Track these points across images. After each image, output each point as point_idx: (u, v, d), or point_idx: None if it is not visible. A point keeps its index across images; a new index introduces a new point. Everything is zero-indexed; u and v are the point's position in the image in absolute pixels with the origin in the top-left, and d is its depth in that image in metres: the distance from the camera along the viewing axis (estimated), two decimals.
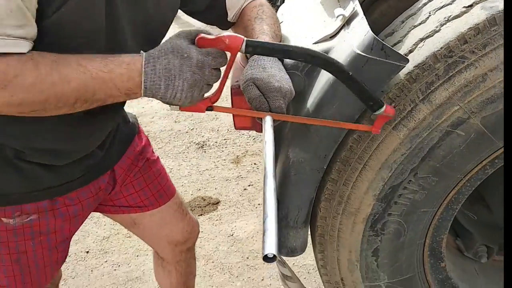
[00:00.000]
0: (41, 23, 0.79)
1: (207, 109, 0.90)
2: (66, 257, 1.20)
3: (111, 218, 1.32)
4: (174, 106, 0.85)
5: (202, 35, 0.83)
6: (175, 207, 1.31)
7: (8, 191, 1.01)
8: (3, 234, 1.05)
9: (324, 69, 0.87)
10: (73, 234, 1.18)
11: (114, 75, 0.80)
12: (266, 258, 0.63)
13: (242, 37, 0.82)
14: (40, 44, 0.80)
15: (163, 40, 0.88)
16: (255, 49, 0.83)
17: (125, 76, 0.81)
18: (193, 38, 0.83)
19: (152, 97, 0.84)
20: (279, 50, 0.85)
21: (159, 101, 0.85)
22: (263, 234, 0.66)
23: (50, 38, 0.81)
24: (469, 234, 1.37)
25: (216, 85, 0.89)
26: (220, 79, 0.87)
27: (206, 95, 0.88)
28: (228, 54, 0.84)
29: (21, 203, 1.03)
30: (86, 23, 0.83)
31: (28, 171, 1.00)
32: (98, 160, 1.11)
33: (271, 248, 0.63)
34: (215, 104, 0.91)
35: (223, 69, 0.87)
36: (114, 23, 0.88)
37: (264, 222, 0.68)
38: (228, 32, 0.83)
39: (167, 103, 0.84)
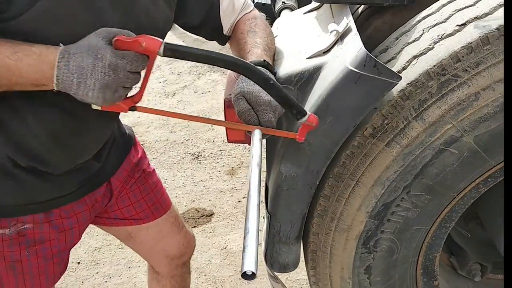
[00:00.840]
0: None
1: (130, 109, 0.88)
2: (64, 270, 1.18)
3: (106, 231, 1.30)
4: (96, 105, 0.84)
5: (120, 36, 0.81)
6: (171, 220, 1.29)
7: (4, 203, 1.01)
8: None
9: (247, 77, 0.87)
10: (71, 247, 1.16)
11: (22, 64, 0.79)
12: (245, 275, 0.62)
13: (160, 40, 0.81)
14: None
15: None
16: (174, 52, 0.81)
17: (34, 67, 0.80)
18: (111, 38, 0.82)
19: (65, 91, 0.82)
20: (198, 55, 0.82)
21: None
22: (243, 251, 0.64)
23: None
24: (463, 252, 1.36)
25: (139, 85, 0.88)
26: (141, 81, 0.86)
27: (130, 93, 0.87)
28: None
29: (17, 216, 1.03)
30: (65, 27, 0.83)
31: (24, 181, 1.00)
32: (94, 173, 1.10)
33: (251, 265, 0.62)
34: (138, 105, 0.89)
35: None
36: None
37: (244, 237, 0.66)
38: (146, 35, 0.81)
39: (81, 100, 0.82)
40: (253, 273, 0.61)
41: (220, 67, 0.86)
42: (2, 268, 1.07)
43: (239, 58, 0.84)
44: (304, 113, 0.88)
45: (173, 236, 1.30)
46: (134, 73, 0.82)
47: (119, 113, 1.06)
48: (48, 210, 1.06)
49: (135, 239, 1.28)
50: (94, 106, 0.85)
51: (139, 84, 0.87)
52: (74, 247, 1.18)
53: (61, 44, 0.81)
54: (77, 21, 0.84)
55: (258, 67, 0.88)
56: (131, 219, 1.23)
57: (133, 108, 0.89)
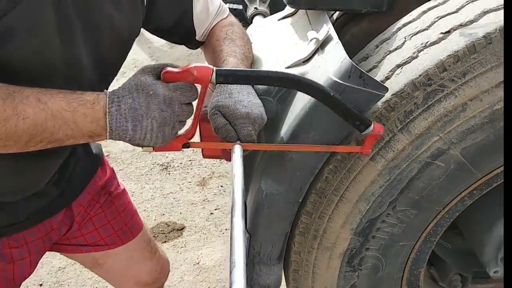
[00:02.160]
0: None
1: (184, 147, 0.82)
2: None
3: (70, 258, 1.19)
4: (147, 148, 0.77)
5: (168, 68, 0.76)
6: (142, 245, 1.20)
7: None
8: None
9: (305, 92, 0.81)
10: (21, 280, 1.05)
11: (78, 115, 0.72)
12: None
13: (211, 67, 0.75)
14: None
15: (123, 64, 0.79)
16: (227, 78, 0.76)
17: (90, 117, 0.73)
18: (158, 73, 0.76)
19: (119, 140, 0.75)
20: (254, 77, 0.78)
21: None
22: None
23: None
24: (443, 263, 1.34)
25: (190, 120, 0.82)
26: (194, 113, 0.80)
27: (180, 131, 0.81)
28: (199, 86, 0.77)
29: None
30: (32, 35, 0.74)
31: None
32: (52, 199, 1.00)
33: None
34: (191, 140, 0.83)
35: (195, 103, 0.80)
36: (67, 35, 0.79)
37: (230, 272, 0.59)
38: (196, 63, 0.76)
39: (137, 145, 0.76)
40: None
41: (274, 86, 0.81)
42: None
43: (296, 75, 0.79)
44: (368, 124, 0.82)
45: (145, 262, 1.21)
46: (188, 105, 0.77)
47: None
48: None
49: (102, 266, 1.18)
50: (144, 149, 0.78)
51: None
52: (36, 267, 1.07)
53: (105, 90, 0.75)
54: (44, 27, 0.76)
55: (317, 82, 0.81)
56: (95, 245, 1.13)
57: (187, 145, 0.82)
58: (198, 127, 1.01)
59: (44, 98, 0.71)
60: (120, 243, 1.15)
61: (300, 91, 0.83)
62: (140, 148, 0.78)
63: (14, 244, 0.99)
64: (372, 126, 0.83)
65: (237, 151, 0.83)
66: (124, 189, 1.20)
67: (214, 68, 0.74)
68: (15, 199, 0.92)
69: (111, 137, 0.75)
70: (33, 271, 1.07)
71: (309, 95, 0.81)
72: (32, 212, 0.98)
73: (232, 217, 0.67)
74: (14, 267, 1.00)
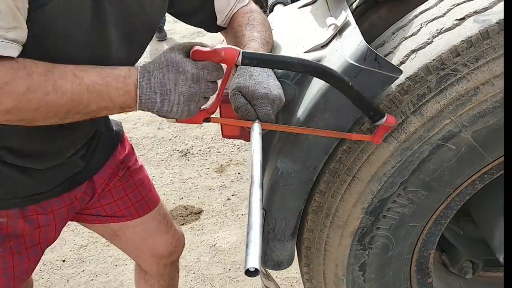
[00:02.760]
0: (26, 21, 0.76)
1: (205, 121, 0.88)
2: (34, 268, 1.14)
3: (91, 229, 1.26)
4: (171, 119, 0.83)
5: (197, 47, 0.81)
6: (159, 218, 1.26)
7: None
8: None
9: (324, 80, 0.85)
10: (47, 244, 1.13)
11: (111, 89, 0.78)
12: (248, 272, 0.61)
13: (238, 49, 0.80)
14: (25, 45, 0.76)
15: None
16: (252, 61, 0.80)
17: (122, 90, 0.79)
18: (187, 51, 0.81)
19: (147, 111, 0.81)
20: (278, 62, 0.82)
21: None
22: (246, 247, 0.63)
23: (33, 38, 0.77)
24: (455, 249, 1.36)
25: (213, 97, 0.87)
26: (217, 91, 0.85)
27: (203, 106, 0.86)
28: (225, 66, 0.82)
29: None
30: (70, 21, 0.80)
31: (7, 176, 0.96)
32: (77, 171, 1.07)
33: (254, 262, 0.61)
34: (212, 116, 0.89)
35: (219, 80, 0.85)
36: (100, 23, 0.85)
37: (247, 233, 0.65)
38: (224, 44, 0.81)
39: (163, 116, 0.82)
40: (256, 269, 0.59)
41: (297, 72, 0.85)
42: None
43: (318, 62, 0.83)
44: (382, 115, 0.86)
45: (161, 235, 1.27)
46: (213, 83, 0.83)
47: None
48: (25, 206, 1.03)
49: (120, 237, 1.24)
50: (168, 120, 0.84)
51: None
52: (60, 244, 1.14)
53: (137, 65, 0.80)
54: (82, 12, 0.82)
55: (338, 72, 0.85)
56: (113, 216, 1.20)
57: (208, 120, 0.88)
58: (219, 107, 1.06)
59: (80, 74, 0.77)
60: (137, 216, 1.21)
61: (321, 79, 0.86)
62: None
63: (41, 211, 1.06)
64: (385, 117, 0.86)
65: (256, 129, 0.87)
66: (142, 165, 1.27)
67: (241, 50, 0.79)
68: (42, 167, 0.99)
69: (140, 108, 0.81)
70: (57, 237, 1.14)
71: (329, 83, 0.85)
72: (59, 182, 1.05)
73: (251, 187, 0.72)
74: (40, 232, 1.08)
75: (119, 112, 0.83)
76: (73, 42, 0.82)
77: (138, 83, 0.79)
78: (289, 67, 0.83)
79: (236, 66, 0.82)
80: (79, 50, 0.84)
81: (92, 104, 0.78)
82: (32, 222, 1.06)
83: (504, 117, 0.86)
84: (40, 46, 0.79)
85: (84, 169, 1.09)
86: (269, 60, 0.82)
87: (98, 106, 0.79)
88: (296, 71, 0.85)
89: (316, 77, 0.86)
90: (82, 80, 0.76)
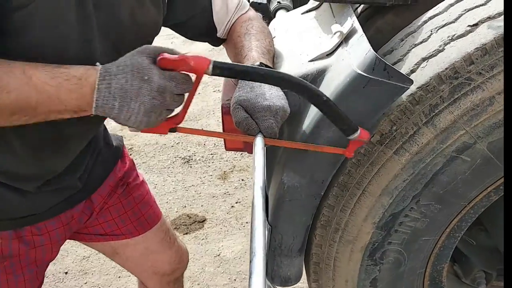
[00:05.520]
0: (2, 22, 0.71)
1: (170, 131, 0.82)
2: (34, 287, 1.10)
3: (90, 247, 1.23)
4: (133, 128, 0.77)
5: (165, 54, 0.74)
6: (161, 236, 1.21)
7: None
8: None
9: (300, 95, 0.81)
10: (44, 264, 1.09)
11: (62, 91, 0.71)
12: None
13: (209, 58, 0.74)
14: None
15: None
16: (223, 71, 0.75)
17: (75, 93, 0.71)
18: (155, 56, 0.75)
19: (103, 115, 0.74)
20: (250, 73, 0.77)
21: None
22: (250, 276, 0.58)
23: (12, 41, 0.72)
24: (467, 260, 1.32)
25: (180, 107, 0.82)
26: (184, 102, 0.80)
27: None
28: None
29: None
30: (53, 26, 0.75)
31: (1, 197, 0.93)
32: (74, 192, 1.03)
33: None
34: (179, 126, 0.83)
35: None
36: (85, 30, 0.80)
37: (251, 261, 0.59)
38: (193, 53, 0.75)
39: (120, 123, 0.75)
40: None
41: (270, 84, 0.81)
42: None
43: (293, 76, 0.79)
44: (355, 129, 0.82)
45: (163, 253, 1.22)
46: (180, 96, 0.76)
47: (104, 118, 0.97)
48: (20, 227, 0.99)
49: (121, 255, 1.20)
50: (130, 129, 0.78)
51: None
52: (62, 256, 1.11)
53: (98, 64, 0.74)
54: (63, 20, 0.77)
55: (310, 84, 0.80)
56: (111, 234, 1.15)
57: (173, 130, 0.83)
58: (221, 120, 1.03)
59: (29, 72, 0.70)
60: (136, 233, 1.17)
61: (296, 93, 0.82)
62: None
63: (37, 232, 1.02)
64: (358, 132, 0.83)
65: (259, 144, 0.83)
66: (143, 180, 1.22)
67: (212, 60, 0.74)
68: (38, 190, 0.95)
69: (96, 113, 0.74)
70: (55, 256, 1.11)
71: (305, 98, 0.81)
72: (54, 203, 1.01)
73: (253, 207, 0.68)
74: (36, 252, 1.04)
75: (72, 116, 0.76)
76: (53, 50, 0.76)
77: (96, 86, 0.71)
78: (261, 79, 0.78)
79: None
80: (59, 60, 0.76)
81: (41, 106, 0.71)
82: (28, 243, 1.02)
83: (504, 116, 0.82)
84: (16, 51, 0.73)
85: (81, 189, 1.05)
86: (241, 71, 0.77)
87: (47, 109, 0.72)
88: (269, 83, 0.80)
89: (291, 90, 0.82)
90: (31, 79, 0.69)
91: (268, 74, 0.77)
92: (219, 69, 0.74)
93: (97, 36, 0.82)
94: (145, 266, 1.23)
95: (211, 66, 0.74)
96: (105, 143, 1.11)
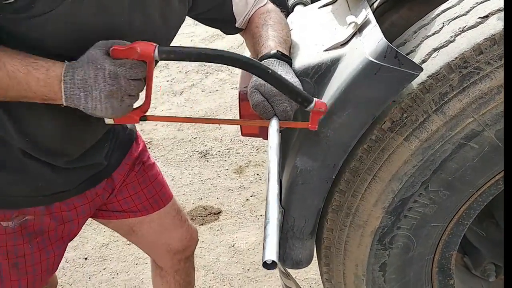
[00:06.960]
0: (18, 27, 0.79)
1: (141, 119, 0.88)
2: (60, 262, 1.17)
3: (107, 226, 1.30)
4: (108, 119, 0.85)
5: (116, 45, 0.82)
6: (173, 213, 1.28)
7: (12, 194, 1.01)
8: (2, 238, 1.03)
9: (244, 69, 0.86)
10: (69, 240, 1.16)
11: (31, 78, 0.80)
12: (266, 265, 0.61)
13: (154, 44, 0.81)
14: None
15: None
16: (169, 54, 0.81)
17: (42, 81, 0.80)
18: (108, 49, 0.82)
19: (74, 107, 0.82)
20: (194, 54, 0.83)
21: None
22: (264, 240, 0.64)
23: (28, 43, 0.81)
24: (477, 252, 1.34)
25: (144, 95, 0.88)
26: (146, 88, 0.86)
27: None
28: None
29: (22, 207, 1.03)
30: (72, 36, 0.83)
31: (35, 174, 1.00)
32: (100, 169, 1.11)
33: (272, 254, 0.62)
34: (148, 114, 0.89)
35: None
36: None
37: (265, 227, 0.65)
38: (140, 41, 0.81)
39: (91, 114, 0.83)
40: (273, 261, 0.60)
41: (218, 63, 0.86)
42: (5, 266, 1.07)
43: (234, 52, 0.84)
44: (310, 100, 0.87)
45: (175, 230, 1.29)
46: (136, 80, 0.82)
47: None
48: (51, 203, 1.07)
49: (137, 233, 1.27)
50: (107, 121, 0.86)
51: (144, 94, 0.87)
52: (82, 242, 1.18)
53: (65, 61, 0.82)
54: (91, 26, 0.85)
55: (256, 60, 0.86)
56: (129, 211, 1.23)
57: (144, 118, 0.89)
58: (238, 106, 1.07)
59: (3, 59, 0.79)
60: (151, 210, 1.24)
61: (240, 68, 0.87)
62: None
63: (65, 208, 1.10)
64: (313, 103, 0.86)
65: (274, 125, 0.88)
66: (154, 162, 1.30)
67: (157, 45, 0.80)
68: (66, 160, 1.02)
69: (67, 104, 0.82)
70: (78, 232, 1.18)
71: (252, 73, 0.86)
72: (82, 180, 1.09)
73: (268, 182, 0.73)
74: (64, 228, 1.12)
75: (42, 102, 0.84)
76: (72, 47, 0.84)
77: (62, 78, 0.80)
78: (205, 59, 0.83)
79: (156, 61, 0.83)
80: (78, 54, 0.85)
81: (11, 90, 0.80)
82: (57, 219, 1.09)
83: (504, 117, 0.85)
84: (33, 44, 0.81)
85: (105, 167, 1.13)
86: (185, 52, 0.82)
87: (18, 94, 0.81)
88: (213, 62, 0.85)
89: (234, 66, 0.86)
90: (4, 65, 0.79)
91: (207, 53, 0.82)
92: (165, 53, 0.81)
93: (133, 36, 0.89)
94: (159, 243, 1.29)
95: (156, 51, 0.80)
96: (121, 126, 1.19)
